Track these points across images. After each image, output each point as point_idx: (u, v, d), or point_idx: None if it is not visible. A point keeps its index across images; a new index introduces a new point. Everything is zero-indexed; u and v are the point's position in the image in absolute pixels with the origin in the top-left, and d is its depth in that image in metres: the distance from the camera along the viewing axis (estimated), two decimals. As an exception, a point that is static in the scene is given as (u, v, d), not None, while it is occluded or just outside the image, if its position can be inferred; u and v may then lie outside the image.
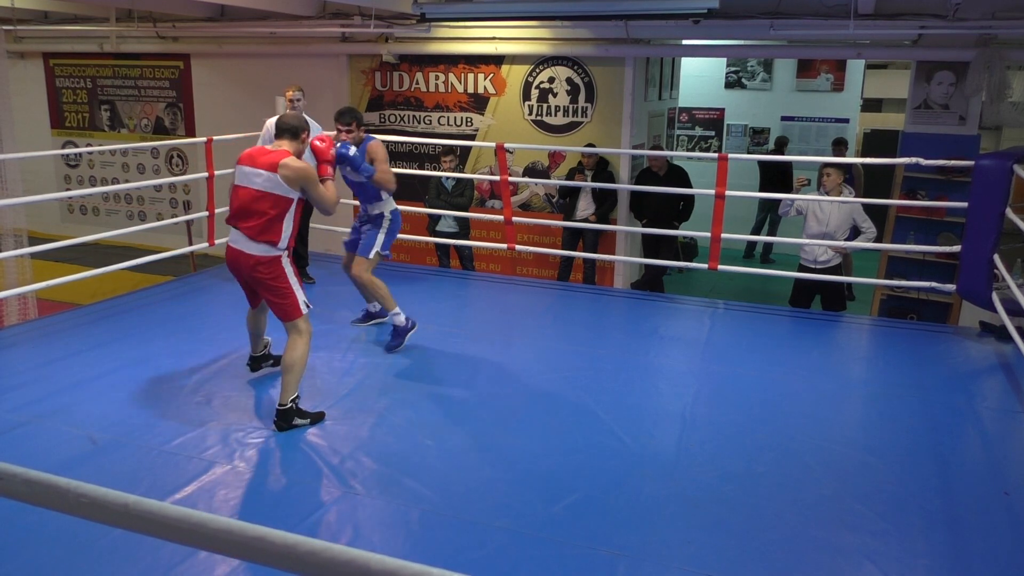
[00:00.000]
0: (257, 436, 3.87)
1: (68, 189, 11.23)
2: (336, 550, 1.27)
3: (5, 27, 9.18)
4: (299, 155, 3.98)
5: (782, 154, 9.82)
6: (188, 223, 8.25)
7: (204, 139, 6.65)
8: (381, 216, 5.19)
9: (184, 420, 4.00)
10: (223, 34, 9.54)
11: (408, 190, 8.74)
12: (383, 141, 5.20)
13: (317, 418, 4.01)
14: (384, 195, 5.15)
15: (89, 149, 9.01)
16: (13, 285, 7.19)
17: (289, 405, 3.92)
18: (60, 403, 4.15)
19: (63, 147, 11.27)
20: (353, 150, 4.77)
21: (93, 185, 11.24)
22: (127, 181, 10.89)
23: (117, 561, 2.82)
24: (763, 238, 9.11)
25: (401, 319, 5.05)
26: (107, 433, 3.82)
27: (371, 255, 5.09)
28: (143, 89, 10.67)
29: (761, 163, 9.81)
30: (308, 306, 4.03)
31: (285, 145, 3.95)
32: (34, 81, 11.30)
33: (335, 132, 4.93)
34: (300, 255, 6.54)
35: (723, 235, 6.07)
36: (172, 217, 9.97)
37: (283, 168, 3.82)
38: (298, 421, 3.94)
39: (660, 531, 3.16)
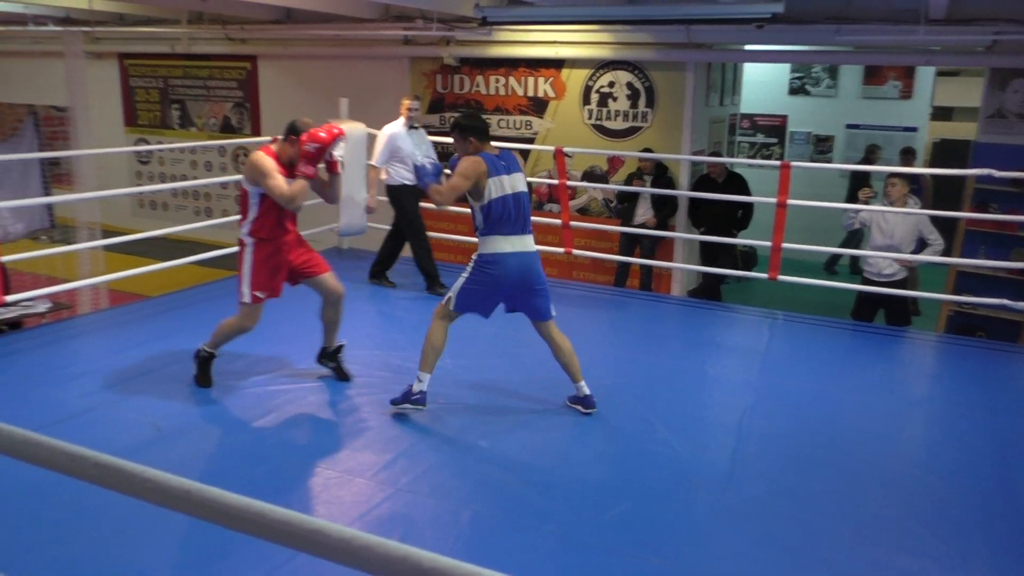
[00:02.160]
0: (312, 429, 3.94)
1: (139, 185, 11.60)
2: (390, 546, 1.29)
3: (83, 29, 9.53)
4: (284, 155, 4.16)
5: (872, 163, 9.58)
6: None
7: (269, 138, 6.79)
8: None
9: (244, 411, 4.10)
10: (289, 36, 9.75)
11: (466, 192, 8.81)
12: (441, 143, 5.13)
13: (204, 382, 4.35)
14: (479, 225, 4.10)
15: (160, 147, 9.30)
16: (87, 276, 7.46)
17: (200, 350, 4.36)
18: (127, 390, 4.29)
19: (135, 144, 11.65)
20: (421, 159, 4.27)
21: (163, 181, 11.60)
22: (195, 178, 11.19)
23: (176, 545, 2.90)
24: (829, 249, 8.88)
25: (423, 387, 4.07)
26: (171, 421, 3.94)
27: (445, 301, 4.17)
28: (212, 89, 10.97)
29: (853, 173, 9.61)
30: (251, 299, 4.22)
31: (274, 145, 4.22)
32: (110, 81, 11.70)
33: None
34: (427, 272, 6.50)
35: (784, 244, 5.97)
36: (237, 214, 10.21)
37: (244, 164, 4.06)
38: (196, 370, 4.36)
39: (711, 544, 3.11)
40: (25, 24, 10.67)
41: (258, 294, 4.23)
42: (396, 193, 6.42)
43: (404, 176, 6.31)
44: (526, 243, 4.08)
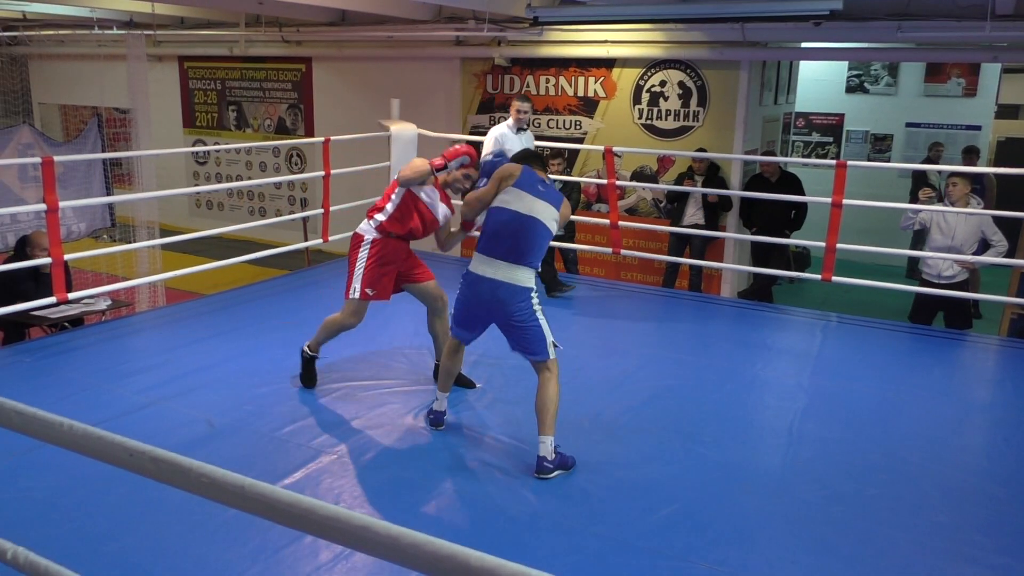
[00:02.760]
0: (362, 428, 3.98)
1: (196, 185, 11.88)
2: (438, 544, 1.29)
3: (146, 32, 9.80)
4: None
5: (935, 162, 9.32)
6: (304, 220, 8.57)
7: (322, 139, 6.89)
8: (530, 293, 3.68)
9: (294, 409, 4.16)
10: (343, 38, 9.89)
11: (515, 192, 8.82)
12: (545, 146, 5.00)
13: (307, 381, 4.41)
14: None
15: (217, 147, 9.50)
16: (145, 274, 7.67)
17: (305, 351, 4.38)
18: (182, 387, 4.40)
19: (193, 145, 11.94)
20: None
21: (219, 181, 11.88)
22: (250, 178, 11.43)
23: (229, 539, 2.96)
24: (885, 250, 8.64)
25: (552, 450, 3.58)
26: (224, 418, 4.02)
27: (553, 354, 3.69)
28: (267, 91, 11.18)
29: (914, 173, 9.37)
30: (360, 295, 4.15)
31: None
32: (170, 83, 12.01)
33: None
34: (544, 276, 6.15)
35: (839, 245, 5.84)
36: (290, 214, 10.40)
37: None
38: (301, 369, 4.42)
39: (762, 549, 3.06)
40: (91, 28, 11.03)
41: (368, 291, 4.15)
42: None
43: None
44: (512, 274, 3.59)
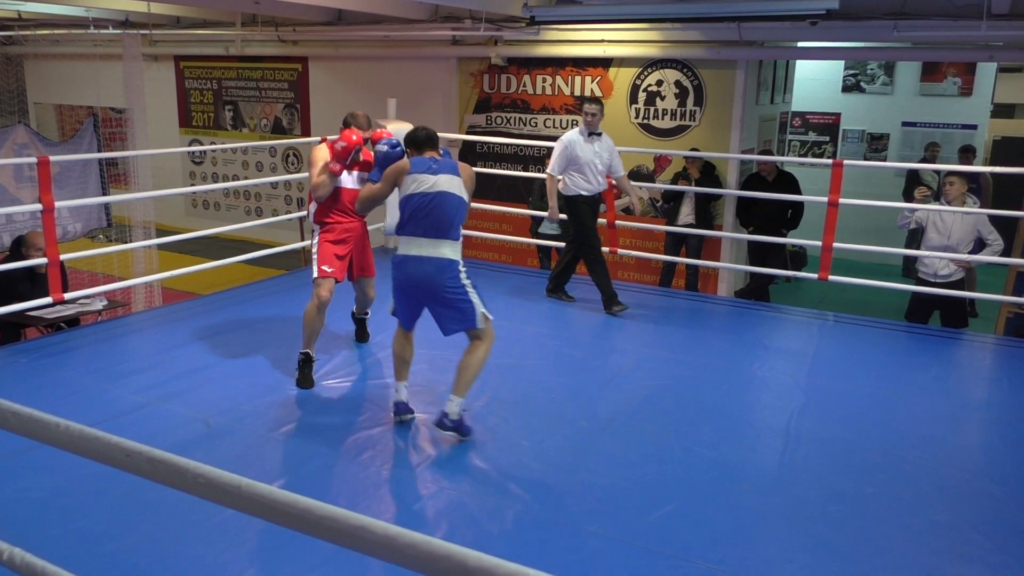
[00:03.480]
0: (359, 427, 3.97)
1: (193, 185, 11.86)
2: (435, 544, 1.29)
3: (141, 32, 9.79)
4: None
5: (932, 161, 9.33)
6: (301, 220, 8.56)
7: (318, 139, 6.87)
8: (457, 265, 3.82)
9: (291, 409, 4.16)
10: (340, 38, 9.87)
11: (512, 192, 8.82)
12: (489, 143, 5.08)
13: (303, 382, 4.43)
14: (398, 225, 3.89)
15: (213, 147, 9.48)
16: (141, 274, 7.66)
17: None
18: (179, 387, 4.39)
19: (189, 145, 11.92)
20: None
21: (215, 181, 11.86)
22: (246, 178, 11.41)
23: (226, 539, 2.96)
24: (882, 248, 8.65)
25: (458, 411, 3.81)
26: (220, 418, 4.02)
27: (487, 321, 3.85)
28: (264, 90, 11.17)
29: (909, 172, 9.38)
30: (319, 273, 4.45)
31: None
32: (166, 82, 11.99)
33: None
34: (603, 288, 6.08)
35: (836, 245, 5.85)
36: (286, 213, 10.39)
37: None
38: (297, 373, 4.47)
39: (759, 548, 3.07)
40: (87, 27, 11.01)
41: (325, 268, 4.47)
42: (572, 204, 6.01)
43: (581, 186, 5.94)
44: (437, 248, 3.73)
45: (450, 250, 3.75)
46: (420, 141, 3.96)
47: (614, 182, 6.35)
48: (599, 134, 6.00)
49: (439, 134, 4.77)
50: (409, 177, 3.80)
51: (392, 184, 3.88)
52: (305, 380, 4.44)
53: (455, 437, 3.79)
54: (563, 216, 6.17)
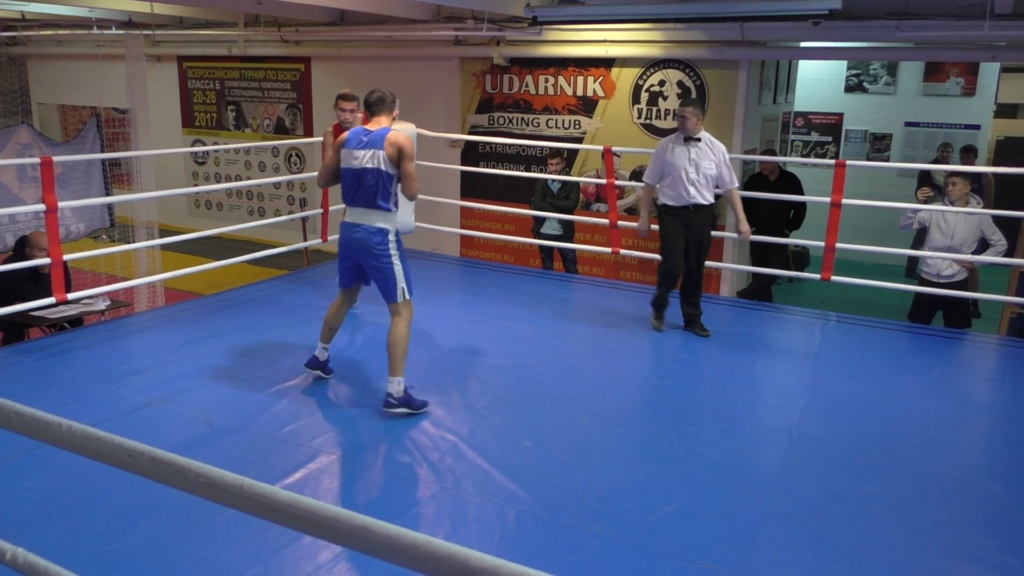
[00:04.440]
0: (361, 428, 3.98)
1: (196, 185, 11.88)
2: (437, 544, 1.29)
3: (144, 32, 9.80)
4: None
5: (944, 162, 9.31)
6: (303, 220, 8.57)
7: (321, 139, 6.88)
8: (385, 233, 4.10)
9: (293, 409, 4.16)
10: (342, 38, 9.88)
11: (514, 192, 8.82)
12: (491, 143, 5.05)
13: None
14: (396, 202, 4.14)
15: (216, 147, 9.48)
16: (144, 274, 7.66)
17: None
18: (181, 387, 4.39)
19: (192, 145, 11.93)
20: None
21: (218, 181, 11.87)
22: (249, 178, 11.42)
23: (228, 539, 2.96)
24: (884, 249, 8.64)
25: (400, 388, 4.09)
26: (222, 418, 4.02)
27: (405, 298, 4.13)
28: (266, 91, 11.18)
29: (920, 172, 9.35)
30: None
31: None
32: (169, 83, 12.01)
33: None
34: (656, 303, 5.64)
35: (838, 245, 5.84)
36: (289, 214, 10.39)
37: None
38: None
39: (761, 548, 3.06)
40: (90, 28, 11.02)
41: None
42: (658, 215, 5.56)
43: (666, 195, 5.43)
44: (367, 216, 4.07)
45: (379, 218, 4.05)
46: (369, 104, 4.15)
47: (721, 194, 5.61)
48: (698, 139, 5.37)
49: (440, 134, 4.80)
50: (344, 151, 4.11)
51: (337, 152, 4.16)
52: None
53: (407, 412, 4.07)
54: (654, 227, 5.66)
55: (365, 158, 4.02)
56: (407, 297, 4.12)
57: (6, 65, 13.35)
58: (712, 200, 5.48)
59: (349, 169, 4.09)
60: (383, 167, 4.02)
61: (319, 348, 4.46)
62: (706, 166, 5.35)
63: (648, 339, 5.59)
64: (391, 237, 4.08)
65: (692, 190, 5.35)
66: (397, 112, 4.25)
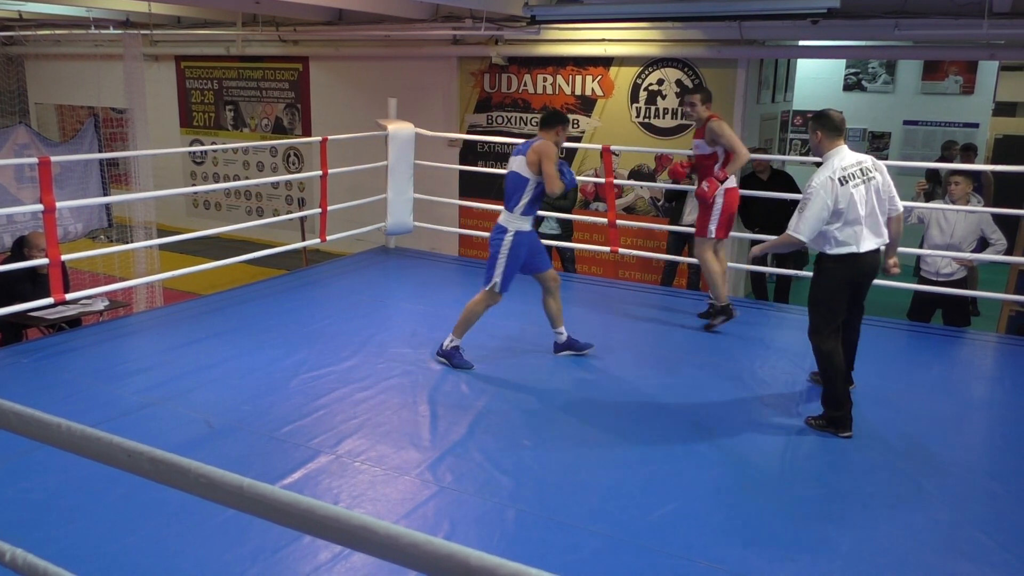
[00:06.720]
0: (360, 427, 3.98)
1: (194, 185, 11.86)
2: (437, 544, 1.29)
3: (142, 32, 9.79)
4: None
5: (949, 160, 9.30)
6: (302, 220, 8.57)
7: (319, 139, 6.88)
8: (503, 230, 4.75)
9: (292, 409, 4.16)
10: (340, 37, 9.88)
11: (513, 191, 8.82)
12: (490, 142, 5.13)
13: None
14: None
15: (214, 147, 9.49)
16: (143, 274, 7.66)
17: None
18: (180, 388, 4.39)
19: (190, 145, 11.92)
20: None
21: (216, 181, 11.86)
22: (247, 178, 11.41)
23: (228, 539, 2.96)
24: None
25: (450, 343, 4.80)
26: (222, 418, 4.02)
27: (494, 290, 4.77)
28: (265, 90, 11.17)
29: (927, 172, 9.34)
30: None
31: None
32: (167, 82, 12.00)
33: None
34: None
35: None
36: (287, 213, 10.39)
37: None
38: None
39: (761, 547, 3.06)
40: (88, 27, 11.01)
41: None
42: None
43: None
44: (501, 216, 4.71)
45: (504, 217, 4.69)
46: (544, 120, 4.75)
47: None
48: (868, 179, 4.43)
49: (438, 134, 4.89)
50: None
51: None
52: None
53: (445, 363, 4.70)
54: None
55: (511, 164, 4.70)
56: (496, 291, 4.67)
57: (3, 65, 13.33)
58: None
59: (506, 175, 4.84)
60: (523, 171, 4.62)
61: (555, 335, 4.97)
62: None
63: (647, 338, 5.60)
64: (509, 235, 4.63)
65: None
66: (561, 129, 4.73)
